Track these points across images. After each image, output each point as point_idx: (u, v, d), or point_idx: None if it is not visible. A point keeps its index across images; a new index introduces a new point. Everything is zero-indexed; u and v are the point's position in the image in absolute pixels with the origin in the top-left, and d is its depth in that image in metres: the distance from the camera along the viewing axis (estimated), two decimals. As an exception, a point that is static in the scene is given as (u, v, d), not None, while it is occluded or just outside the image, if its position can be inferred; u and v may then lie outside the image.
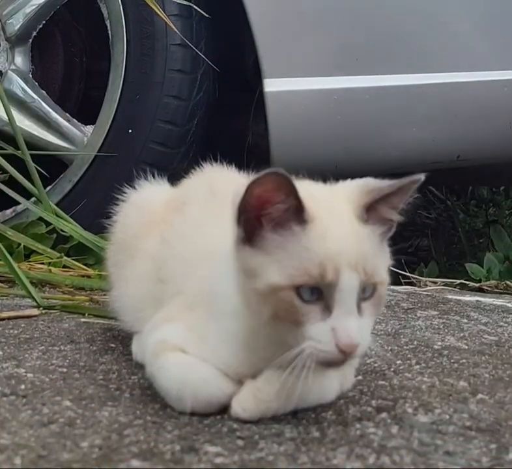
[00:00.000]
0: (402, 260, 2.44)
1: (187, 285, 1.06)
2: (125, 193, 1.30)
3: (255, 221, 0.93)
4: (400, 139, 2.16)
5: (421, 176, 0.94)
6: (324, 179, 1.03)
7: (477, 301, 1.84)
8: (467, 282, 2.24)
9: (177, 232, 1.15)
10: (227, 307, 0.98)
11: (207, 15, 2.04)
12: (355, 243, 0.92)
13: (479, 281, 2.33)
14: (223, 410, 0.98)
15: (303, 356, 0.91)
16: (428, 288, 2.07)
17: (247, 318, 0.96)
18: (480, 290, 2.21)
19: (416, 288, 2.04)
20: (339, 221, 0.93)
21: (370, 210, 0.95)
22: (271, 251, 0.92)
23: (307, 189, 0.96)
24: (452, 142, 2.19)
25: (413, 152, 2.18)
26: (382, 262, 0.96)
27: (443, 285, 2.17)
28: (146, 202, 1.28)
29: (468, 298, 1.89)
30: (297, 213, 0.92)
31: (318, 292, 0.91)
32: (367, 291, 0.94)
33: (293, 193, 0.91)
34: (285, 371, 0.92)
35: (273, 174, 0.90)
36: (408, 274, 2.24)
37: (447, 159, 2.22)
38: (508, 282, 2.25)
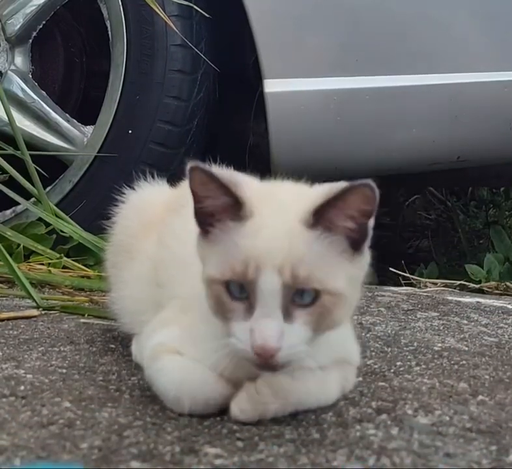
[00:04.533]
0: (402, 261, 2.43)
1: (182, 288, 1.06)
2: (124, 194, 1.30)
3: (206, 214, 0.94)
4: (400, 140, 2.16)
5: (368, 182, 0.88)
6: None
7: (477, 302, 1.84)
8: (467, 283, 2.23)
9: (174, 234, 1.15)
10: None
11: (207, 16, 2.04)
12: (286, 245, 0.89)
13: (479, 282, 2.33)
14: (223, 411, 0.98)
15: (225, 352, 0.92)
16: (428, 289, 2.07)
17: None
18: (480, 291, 2.20)
19: (416, 289, 2.04)
20: (279, 221, 0.91)
21: (321, 216, 0.90)
22: (214, 244, 0.94)
23: (260, 188, 0.96)
24: (452, 143, 2.19)
25: (414, 152, 2.18)
26: (332, 270, 0.90)
27: (443, 286, 2.16)
28: (145, 203, 1.28)
29: (468, 299, 1.89)
30: (236, 209, 0.92)
31: (247, 290, 0.90)
32: (304, 297, 0.89)
33: (222, 188, 0.91)
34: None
35: (195, 169, 0.91)
36: (408, 275, 2.23)
37: (447, 160, 2.21)
38: (508, 283, 2.24)
